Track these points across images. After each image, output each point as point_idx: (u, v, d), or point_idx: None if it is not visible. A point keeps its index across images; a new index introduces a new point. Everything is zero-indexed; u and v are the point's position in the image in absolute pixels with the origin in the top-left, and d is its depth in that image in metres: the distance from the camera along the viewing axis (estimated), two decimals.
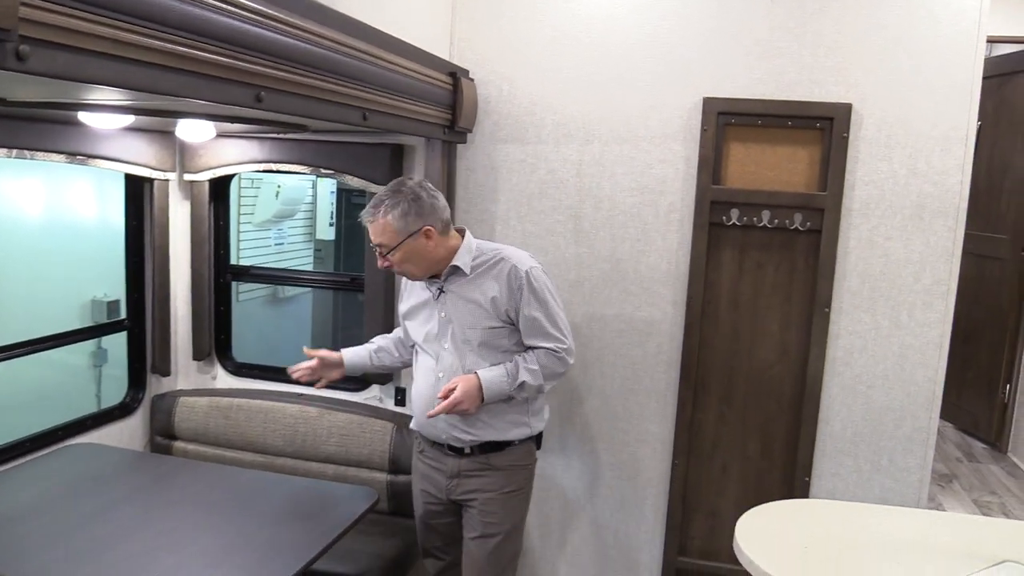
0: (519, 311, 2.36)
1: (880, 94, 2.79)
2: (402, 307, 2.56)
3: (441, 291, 2.41)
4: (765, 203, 2.90)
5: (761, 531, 2.13)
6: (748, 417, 3.04)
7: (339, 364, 2.58)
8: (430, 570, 2.68)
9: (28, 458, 2.69)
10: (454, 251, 2.37)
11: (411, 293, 2.52)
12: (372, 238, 2.31)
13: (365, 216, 2.31)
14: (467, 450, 2.43)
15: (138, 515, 2.34)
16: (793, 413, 2.99)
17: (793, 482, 3.00)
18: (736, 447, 3.06)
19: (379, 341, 2.69)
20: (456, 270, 2.38)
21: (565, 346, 2.41)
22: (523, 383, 2.35)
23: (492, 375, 2.34)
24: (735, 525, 2.16)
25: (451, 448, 2.45)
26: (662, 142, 2.96)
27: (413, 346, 2.56)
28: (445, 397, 2.29)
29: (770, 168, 2.92)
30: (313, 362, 2.54)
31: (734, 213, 2.92)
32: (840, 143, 2.81)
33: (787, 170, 2.91)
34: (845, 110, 2.80)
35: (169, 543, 2.15)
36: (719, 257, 2.97)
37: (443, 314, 2.41)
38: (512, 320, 2.37)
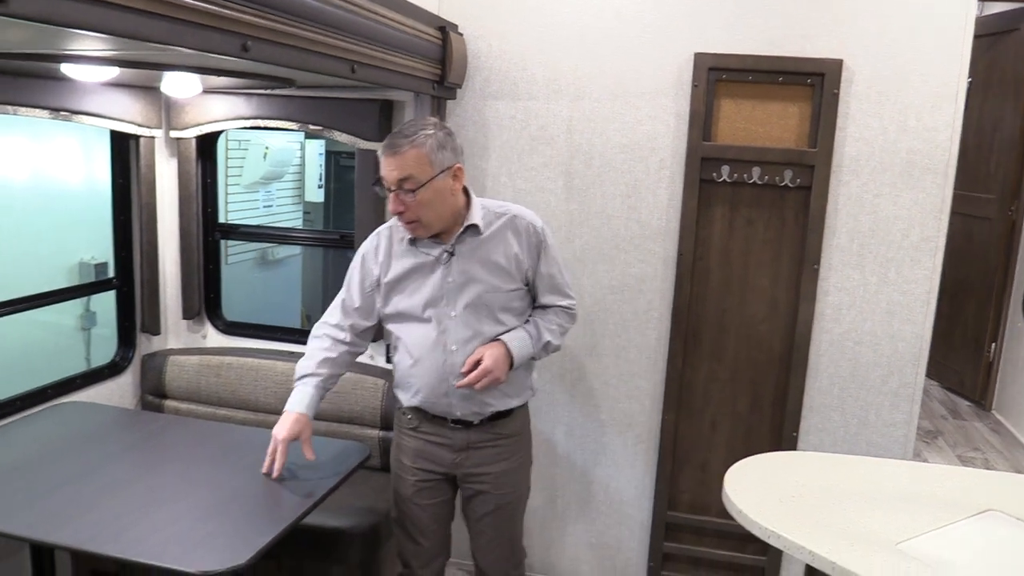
0: (537, 269, 2.28)
1: (871, 50, 2.77)
2: (385, 277, 2.28)
3: (451, 253, 2.22)
4: (755, 160, 2.89)
5: (749, 482, 2.15)
6: (737, 372, 3.06)
7: (307, 424, 2.30)
8: (409, 558, 2.46)
9: (18, 416, 2.69)
10: (465, 207, 2.23)
11: (395, 260, 2.27)
12: (395, 172, 2.06)
13: (389, 147, 2.06)
14: (476, 421, 2.31)
15: (129, 471, 2.35)
16: (782, 368, 3.01)
17: (781, 436, 3.04)
18: (725, 402, 3.09)
19: (321, 367, 2.32)
20: (472, 229, 2.21)
21: (575, 301, 2.41)
22: (547, 343, 2.30)
23: (518, 339, 2.24)
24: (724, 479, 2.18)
25: (456, 422, 2.31)
26: (653, 98, 2.94)
27: (375, 325, 2.37)
28: (471, 369, 2.17)
29: (760, 124, 2.91)
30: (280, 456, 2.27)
31: (724, 170, 2.92)
32: (831, 99, 2.80)
33: (778, 126, 2.90)
34: (836, 66, 2.78)
35: (161, 498, 2.16)
36: (709, 214, 2.97)
37: (451, 279, 2.21)
38: (528, 279, 2.28)
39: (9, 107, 2.45)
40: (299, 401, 2.29)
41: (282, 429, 2.26)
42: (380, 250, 2.30)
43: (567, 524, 3.33)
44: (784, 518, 1.95)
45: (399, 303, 2.28)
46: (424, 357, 2.26)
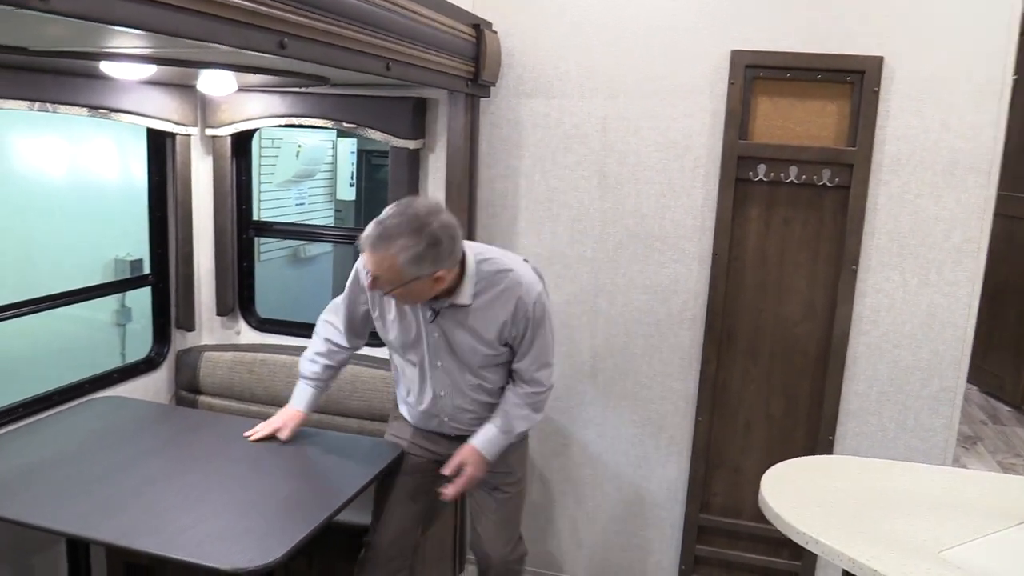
0: (523, 337, 2.26)
1: (913, 47, 2.72)
2: (373, 311, 2.35)
3: (436, 313, 2.22)
4: (793, 158, 2.85)
5: (787, 485, 2.11)
6: (773, 375, 3.02)
7: (304, 419, 2.52)
8: (376, 528, 2.49)
9: (56, 410, 2.72)
10: (457, 278, 2.17)
11: (383, 297, 2.28)
12: (371, 266, 2.04)
13: (370, 242, 2.01)
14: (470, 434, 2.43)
15: (164, 467, 2.36)
16: (818, 371, 2.97)
17: (816, 440, 2.99)
18: (760, 405, 3.05)
19: (323, 373, 2.50)
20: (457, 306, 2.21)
21: (547, 387, 2.37)
22: (519, 432, 2.39)
23: (491, 440, 2.33)
24: (758, 483, 2.14)
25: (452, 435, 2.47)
26: (688, 96, 2.90)
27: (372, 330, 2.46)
28: (454, 471, 2.31)
29: (798, 123, 2.86)
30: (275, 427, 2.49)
31: (761, 169, 2.88)
32: (871, 97, 2.75)
33: (816, 125, 2.85)
34: (876, 63, 2.73)
35: (195, 494, 2.17)
36: (745, 213, 2.93)
37: (437, 335, 2.25)
38: (511, 343, 2.28)
39: (48, 105, 2.48)
40: (300, 400, 2.51)
41: (277, 420, 2.49)
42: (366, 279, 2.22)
43: (597, 525, 3.31)
44: (822, 523, 1.92)
45: (386, 335, 2.36)
46: (414, 392, 2.41)
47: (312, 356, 2.52)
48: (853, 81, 2.76)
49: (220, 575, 1.83)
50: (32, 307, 2.73)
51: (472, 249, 2.22)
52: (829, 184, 2.84)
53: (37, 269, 3.76)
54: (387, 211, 2.05)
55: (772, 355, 3.01)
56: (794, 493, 2.08)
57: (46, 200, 4.32)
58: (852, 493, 2.10)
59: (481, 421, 2.38)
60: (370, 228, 2.03)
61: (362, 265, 2.23)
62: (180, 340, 3.30)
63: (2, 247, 3.95)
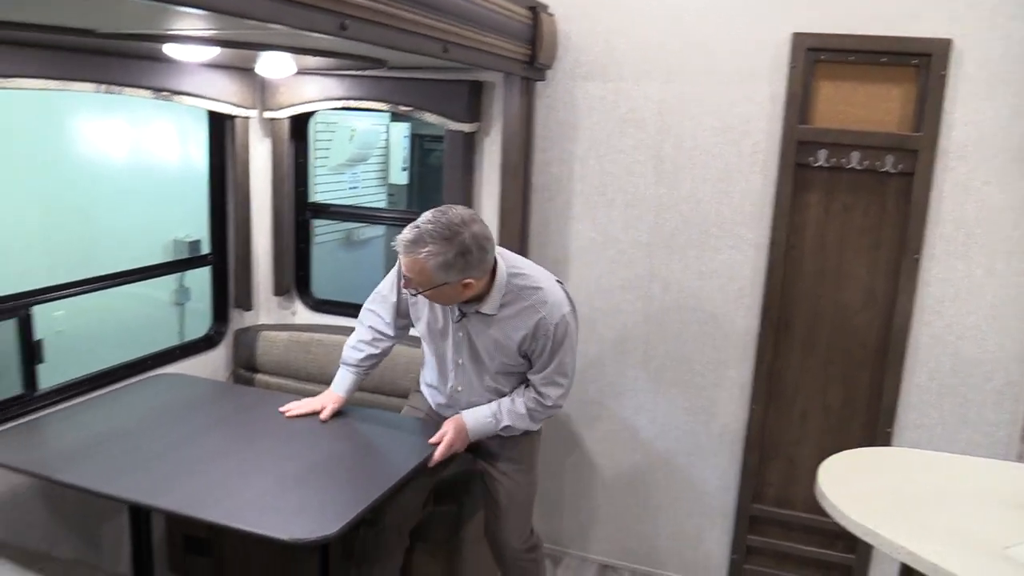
0: (541, 352, 2.30)
1: (983, 29, 2.62)
2: (408, 299, 2.43)
3: (463, 314, 2.30)
4: (855, 144, 2.78)
5: (844, 477, 2.08)
6: (830, 364, 2.96)
7: (342, 403, 2.57)
8: (403, 511, 2.50)
9: (118, 385, 2.80)
10: (487, 286, 2.22)
11: None
12: (405, 268, 2.14)
13: (403, 245, 2.09)
14: None
15: (223, 442, 2.41)
16: (878, 362, 2.90)
17: (875, 432, 2.93)
18: (817, 394, 3.00)
19: (364, 362, 2.56)
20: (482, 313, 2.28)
21: (552, 403, 2.39)
22: (507, 426, 2.39)
23: (479, 419, 2.38)
24: (813, 474, 2.11)
25: None
26: (747, 80, 2.85)
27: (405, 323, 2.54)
28: (438, 441, 2.34)
29: (861, 107, 2.79)
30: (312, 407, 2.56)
31: (821, 154, 2.82)
32: (937, 81, 2.67)
33: (879, 109, 2.78)
34: (944, 46, 2.65)
35: (253, 468, 2.21)
36: (805, 199, 2.88)
37: (461, 334, 2.34)
38: (530, 356, 2.33)
39: (114, 87, 2.53)
40: (341, 385, 2.57)
41: (317, 402, 2.55)
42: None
43: (648, 512, 3.29)
44: (881, 516, 1.88)
45: (418, 324, 2.45)
46: (435, 381, 2.52)
47: (356, 343, 2.57)
48: (919, 64, 2.69)
49: (278, 545, 1.86)
50: (96, 285, 2.81)
51: (507, 260, 2.28)
52: (892, 170, 2.77)
53: (100, 249, 3.86)
54: (424, 216, 2.12)
55: (830, 344, 2.95)
56: (852, 484, 2.05)
57: (110, 182, 4.43)
58: (912, 486, 2.06)
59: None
60: (406, 231, 2.10)
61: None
62: (238, 319, 3.36)
63: (68, 227, 4.06)
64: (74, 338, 3.54)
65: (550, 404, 2.39)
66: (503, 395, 2.42)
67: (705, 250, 3.01)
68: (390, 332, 2.54)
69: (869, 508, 1.91)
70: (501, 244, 3.01)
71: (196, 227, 3.67)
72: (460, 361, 2.39)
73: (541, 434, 2.60)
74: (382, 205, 6.21)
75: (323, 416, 2.51)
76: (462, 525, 2.76)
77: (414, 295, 2.24)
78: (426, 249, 2.05)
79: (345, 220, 4.35)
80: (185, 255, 4.19)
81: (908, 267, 2.79)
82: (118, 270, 2.94)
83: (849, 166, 2.80)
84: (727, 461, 3.14)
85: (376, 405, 3.05)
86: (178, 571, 3.01)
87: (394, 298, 2.49)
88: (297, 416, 2.53)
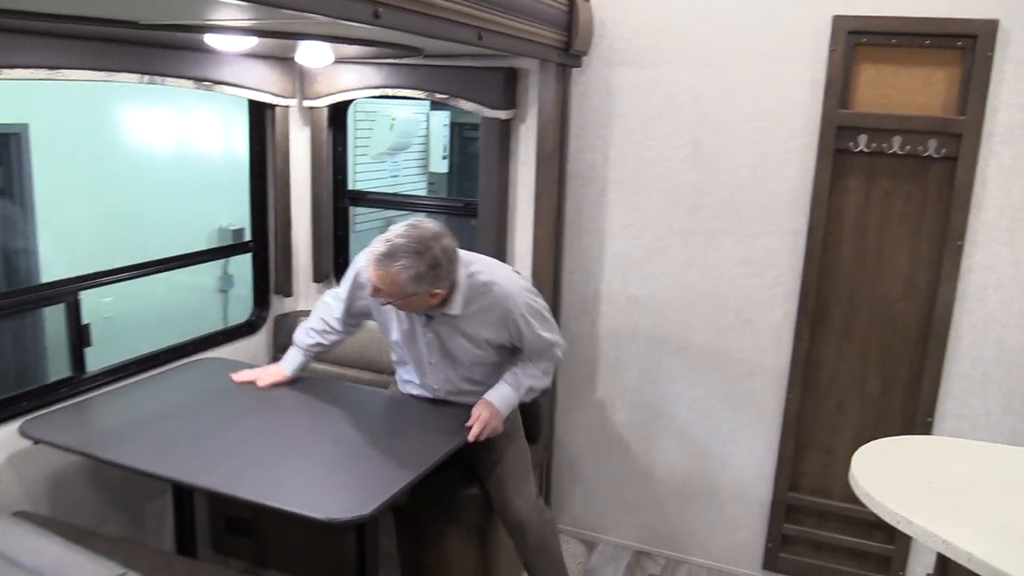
0: (522, 341, 2.42)
1: None
2: (368, 300, 2.50)
3: (430, 318, 2.41)
4: (896, 128, 2.74)
5: (879, 464, 2.06)
6: (869, 353, 2.93)
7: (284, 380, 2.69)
8: None
9: (163, 369, 2.88)
10: (448, 296, 2.33)
11: None
12: (375, 281, 2.23)
13: (377, 259, 2.19)
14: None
15: (263, 424, 2.47)
16: (918, 350, 2.86)
17: (915, 422, 2.89)
18: (855, 383, 2.96)
19: (312, 349, 2.67)
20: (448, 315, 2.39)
21: (559, 356, 2.54)
22: (529, 387, 2.49)
23: (502, 394, 2.46)
24: (850, 463, 2.09)
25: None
26: (786, 64, 2.82)
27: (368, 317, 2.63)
28: (473, 422, 2.40)
29: (903, 91, 2.74)
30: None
31: (862, 139, 2.77)
32: (983, 63, 2.61)
33: (922, 93, 2.73)
34: (990, 27, 2.59)
35: (291, 450, 2.26)
36: (844, 185, 2.84)
37: (431, 335, 2.45)
38: (504, 345, 2.45)
39: (157, 77, 2.59)
40: (289, 364, 2.69)
41: (261, 371, 2.71)
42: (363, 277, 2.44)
43: (683, 498, 3.29)
44: (915, 504, 1.86)
45: (387, 335, 2.57)
46: (414, 378, 2.61)
47: (307, 330, 2.68)
48: (964, 46, 2.63)
49: (316, 526, 1.90)
50: (139, 271, 2.89)
51: (463, 260, 2.38)
52: (935, 155, 2.72)
53: (148, 238, 3.96)
54: (395, 230, 2.23)
55: (869, 332, 2.91)
56: (887, 472, 2.03)
57: (158, 171, 4.54)
58: (948, 474, 2.03)
59: (476, 398, 2.49)
60: (378, 245, 2.21)
61: (364, 269, 2.39)
62: (278, 305, 3.43)
63: (117, 217, 4.17)
64: (123, 324, 3.65)
65: (559, 356, 2.55)
66: (477, 383, 2.52)
67: (742, 237, 2.98)
68: (339, 328, 2.66)
69: (903, 496, 1.89)
70: (537, 232, 3.04)
71: (240, 216, 3.75)
72: (432, 361, 2.50)
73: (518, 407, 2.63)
74: (422, 193, 6.26)
75: (259, 385, 2.65)
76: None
77: (383, 304, 2.33)
78: (399, 263, 2.16)
79: (382, 208, 4.40)
80: (229, 242, 4.27)
81: (951, 254, 2.74)
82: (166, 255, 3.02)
83: (890, 151, 2.76)
84: (763, 449, 3.12)
85: (361, 381, 3.12)
86: (221, 551, 3.09)
87: (348, 302, 2.59)
88: (240, 382, 2.67)
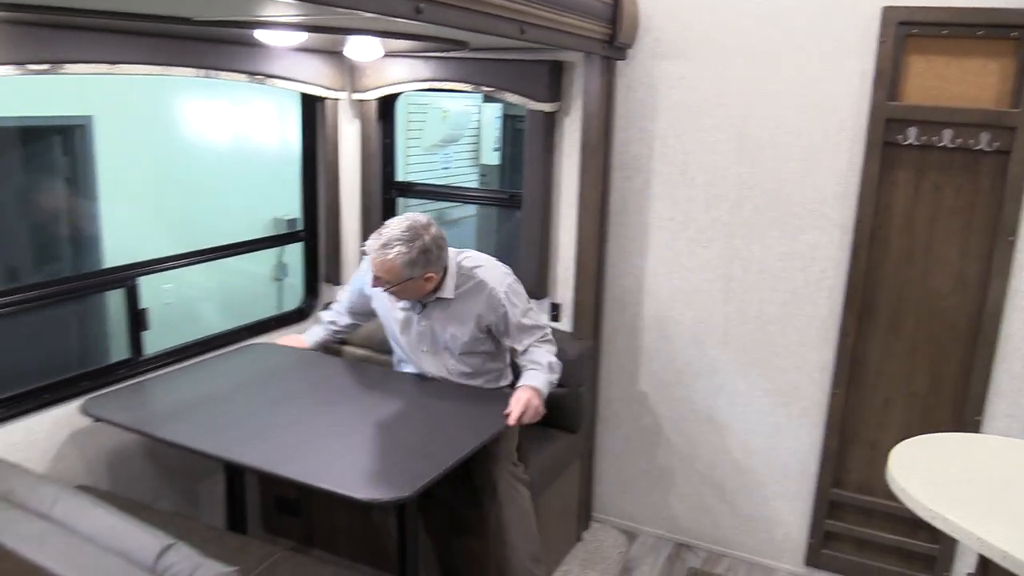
0: (505, 322, 2.62)
1: None
2: (368, 291, 2.75)
3: (424, 306, 2.66)
4: (947, 121, 2.69)
5: (918, 460, 2.04)
6: (917, 349, 2.88)
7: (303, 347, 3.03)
8: None
9: (219, 352, 2.99)
10: (440, 282, 2.60)
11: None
12: (373, 270, 2.50)
13: (372, 249, 2.48)
14: None
15: (310, 407, 2.56)
16: (967, 348, 2.81)
17: (963, 420, 2.84)
18: (901, 380, 2.92)
19: (331, 326, 3.03)
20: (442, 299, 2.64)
21: (546, 331, 2.71)
22: (549, 363, 2.64)
23: (536, 378, 2.60)
24: None
25: None
26: (834, 56, 2.79)
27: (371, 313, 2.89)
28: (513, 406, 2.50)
29: (955, 83, 2.69)
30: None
31: (911, 132, 2.73)
32: None
33: (974, 85, 2.67)
34: None
35: (337, 432, 2.34)
36: (892, 179, 2.80)
37: (424, 324, 2.69)
38: (491, 331, 2.67)
39: (212, 71, 2.68)
40: (311, 337, 3.05)
41: (290, 340, 3.07)
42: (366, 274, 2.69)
43: (725, 493, 3.29)
44: (952, 501, 1.84)
45: (380, 312, 2.82)
46: (411, 371, 2.82)
47: (330, 310, 3.08)
48: (1018, 37, 2.57)
49: (360, 507, 1.97)
50: (193, 259, 3.02)
51: (453, 251, 2.66)
52: (987, 149, 2.66)
53: (206, 227, 4.10)
54: (390, 223, 2.53)
55: (916, 329, 2.87)
56: (925, 469, 2.01)
57: (216, 163, 4.68)
58: (989, 472, 2.01)
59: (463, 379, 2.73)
60: (375, 237, 2.50)
61: (367, 266, 2.63)
62: (328, 293, 3.51)
63: (179, 206, 4.32)
64: (183, 309, 3.78)
65: (552, 339, 2.73)
66: (467, 375, 2.72)
67: (787, 230, 2.96)
68: (347, 318, 3.01)
69: (941, 493, 1.88)
70: (581, 224, 3.06)
71: (294, 207, 3.85)
72: (424, 349, 2.72)
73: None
74: (474, 185, 6.32)
75: (278, 342, 3.07)
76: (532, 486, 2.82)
77: (384, 290, 2.55)
78: (394, 250, 2.44)
79: (431, 199, 4.45)
80: (284, 231, 4.38)
81: (1002, 249, 2.69)
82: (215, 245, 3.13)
83: (940, 144, 2.71)
84: (807, 445, 3.10)
85: (371, 361, 3.20)
86: (270, 530, 3.19)
87: (351, 295, 2.95)
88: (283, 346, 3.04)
